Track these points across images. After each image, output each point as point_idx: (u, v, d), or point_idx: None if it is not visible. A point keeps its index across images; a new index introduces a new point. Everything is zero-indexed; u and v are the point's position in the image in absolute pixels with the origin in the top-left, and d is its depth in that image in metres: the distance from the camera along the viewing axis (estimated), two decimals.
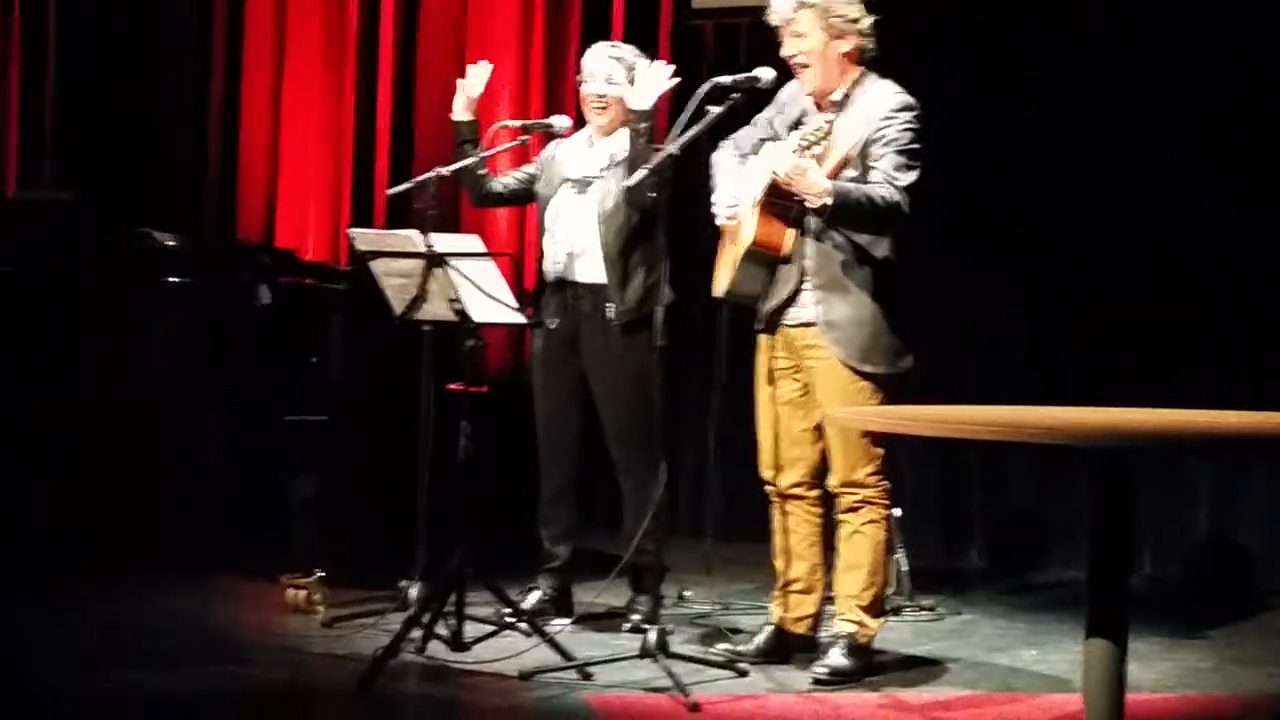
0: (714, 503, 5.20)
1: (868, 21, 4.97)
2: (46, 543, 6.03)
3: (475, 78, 5.69)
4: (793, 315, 4.98)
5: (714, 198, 5.08)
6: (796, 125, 5.02)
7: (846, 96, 4.96)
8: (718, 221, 5.08)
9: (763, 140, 5.08)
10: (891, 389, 4.94)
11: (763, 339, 5.07)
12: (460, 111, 5.66)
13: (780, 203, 4.88)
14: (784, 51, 4.98)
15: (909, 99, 4.94)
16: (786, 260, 4.95)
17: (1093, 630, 3.89)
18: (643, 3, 7.69)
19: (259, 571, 5.97)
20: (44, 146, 8.22)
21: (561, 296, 5.60)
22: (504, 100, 7.82)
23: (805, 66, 4.96)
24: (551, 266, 5.60)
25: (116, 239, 6.26)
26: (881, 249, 4.92)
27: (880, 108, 4.89)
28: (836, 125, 4.90)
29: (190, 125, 8.49)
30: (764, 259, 4.95)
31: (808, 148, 4.80)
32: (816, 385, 4.96)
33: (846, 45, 4.94)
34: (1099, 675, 3.90)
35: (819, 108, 5.00)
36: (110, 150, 8.22)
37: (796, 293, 4.96)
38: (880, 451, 4.97)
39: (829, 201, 4.73)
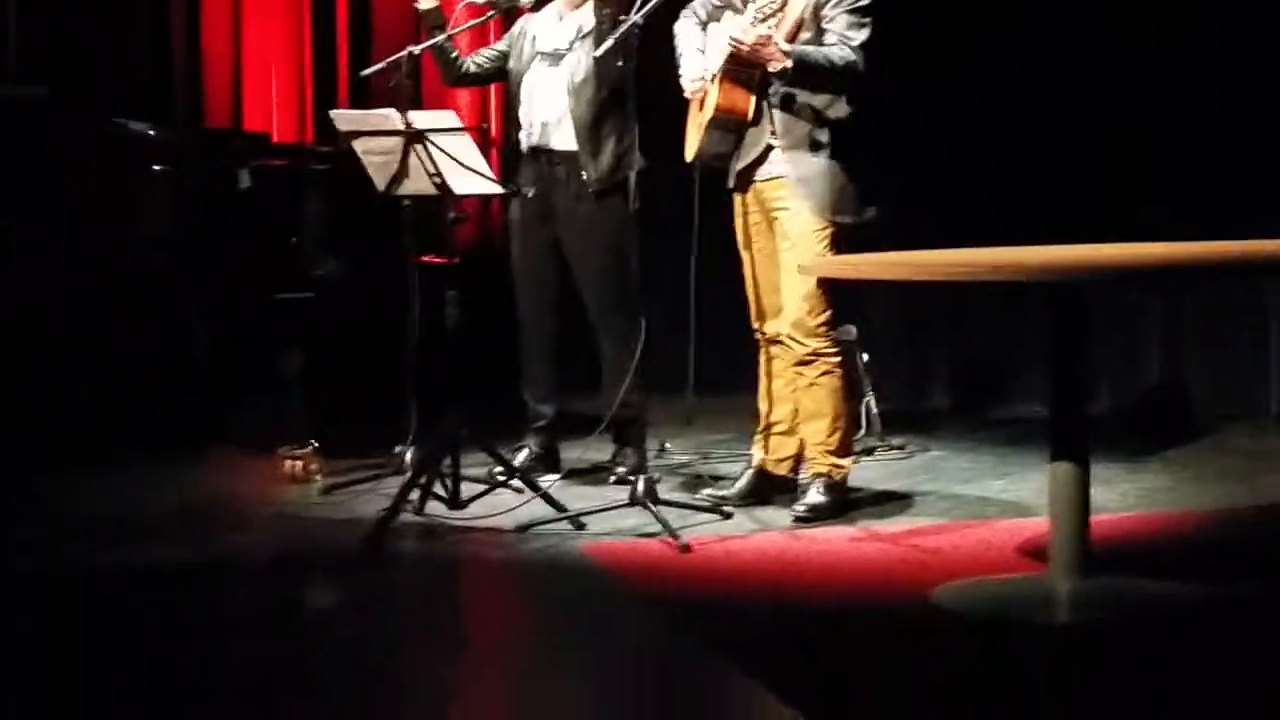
0: (694, 357, 5.39)
1: None
2: (44, 425, 6.15)
3: None
4: (764, 171, 5.17)
5: (680, 70, 5.24)
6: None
7: None
8: (686, 94, 5.24)
9: (718, 6, 5.23)
10: (858, 237, 5.13)
11: (736, 198, 5.26)
12: (433, 38, 5.73)
13: (742, 69, 5.05)
14: None
15: None
16: (752, 123, 5.13)
17: (1057, 453, 4.14)
18: None
19: (255, 446, 6.12)
20: (4, 38, 8.25)
21: (536, 165, 5.75)
22: None
23: None
24: (526, 137, 5.75)
25: (96, 130, 6.36)
26: (838, 109, 5.11)
27: None
28: None
29: (152, 15, 8.52)
30: (729, 124, 5.14)
31: (765, 19, 4.97)
32: (786, 235, 5.16)
33: None
34: (1064, 495, 4.16)
35: None
36: (71, 43, 8.25)
37: (766, 151, 5.15)
38: (829, 305, 5.15)
39: (789, 65, 4.92)
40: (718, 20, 5.22)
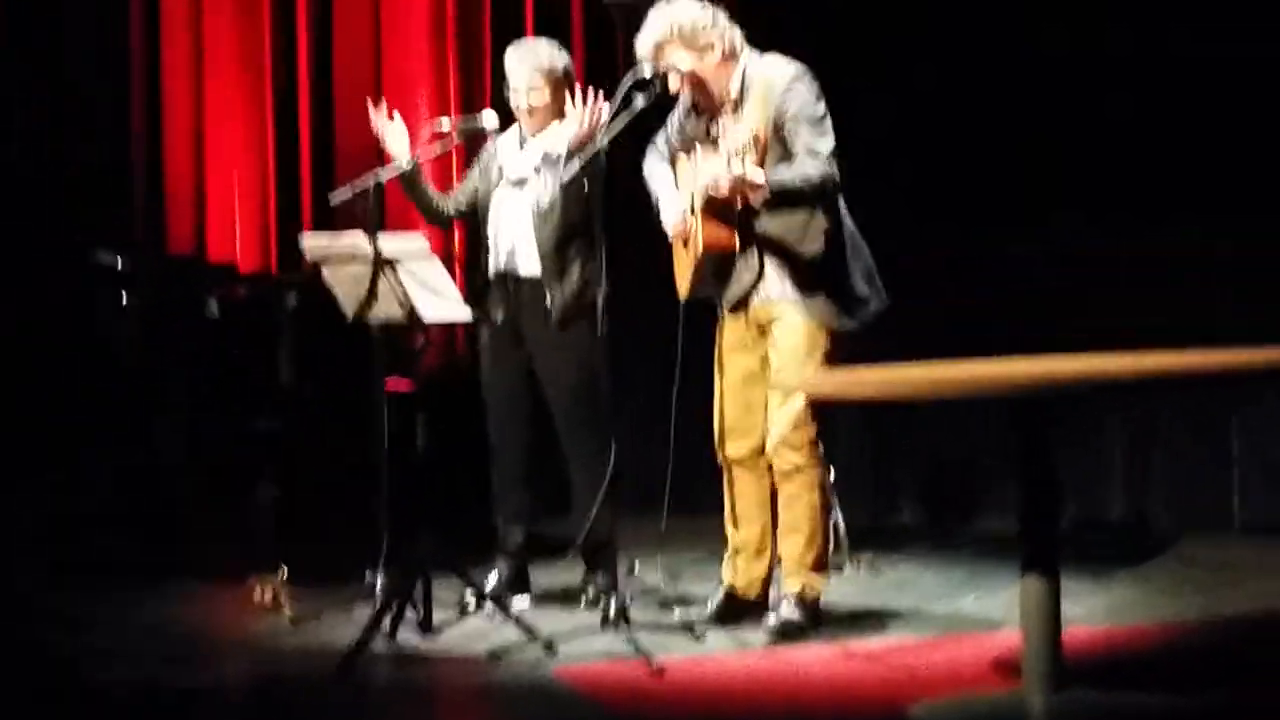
0: (669, 484, 5.43)
1: (723, 20, 5.18)
2: (12, 552, 6.17)
3: (392, 134, 5.75)
4: (760, 294, 5.21)
5: (659, 212, 5.30)
6: (707, 130, 5.23)
7: (741, 90, 5.18)
8: (669, 235, 5.28)
9: (686, 139, 5.29)
10: (845, 350, 5.16)
11: (727, 318, 5.29)
12: (399, 164, 5.72)
13: (720, 205, 5.10)
14: (671, 86, 5.18)
15: (795, 68, 5.15)
16: (740, 251, 5.17)
17: (1028, 567, 4.17)
18: None
19: (225, 575, 6.10)
20: None
21: (504, 290, 5.78)
22: (422, 97, 8.01)
23: (695, 85, 5.18)
24: (493, 261, 5.79)
25: (67, 260, 6.40)
26: (818, 224, 5.14)
27: (775, 86, 5.11)
28: (743, 116, 5.13)
29: (111, 142, 8.58)
30: (718, 259, 5.20)
31: (741, 156, 5.00)
32: (781, 351, 5.17)
33: (715, 55, 5.15)
34: (1036, 609, 4.18)
35: (721, 110, 5.22)
36: (33, 171, 8.30)
37: (759, 277, 5.19)
38: (816, 422, 5.19)
39: (767, 194, 4.99)
40: (688, 153, 5.28)
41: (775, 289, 5.18)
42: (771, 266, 5.17)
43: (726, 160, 4.98)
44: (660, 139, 5.40)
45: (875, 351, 4.77)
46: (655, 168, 5.37)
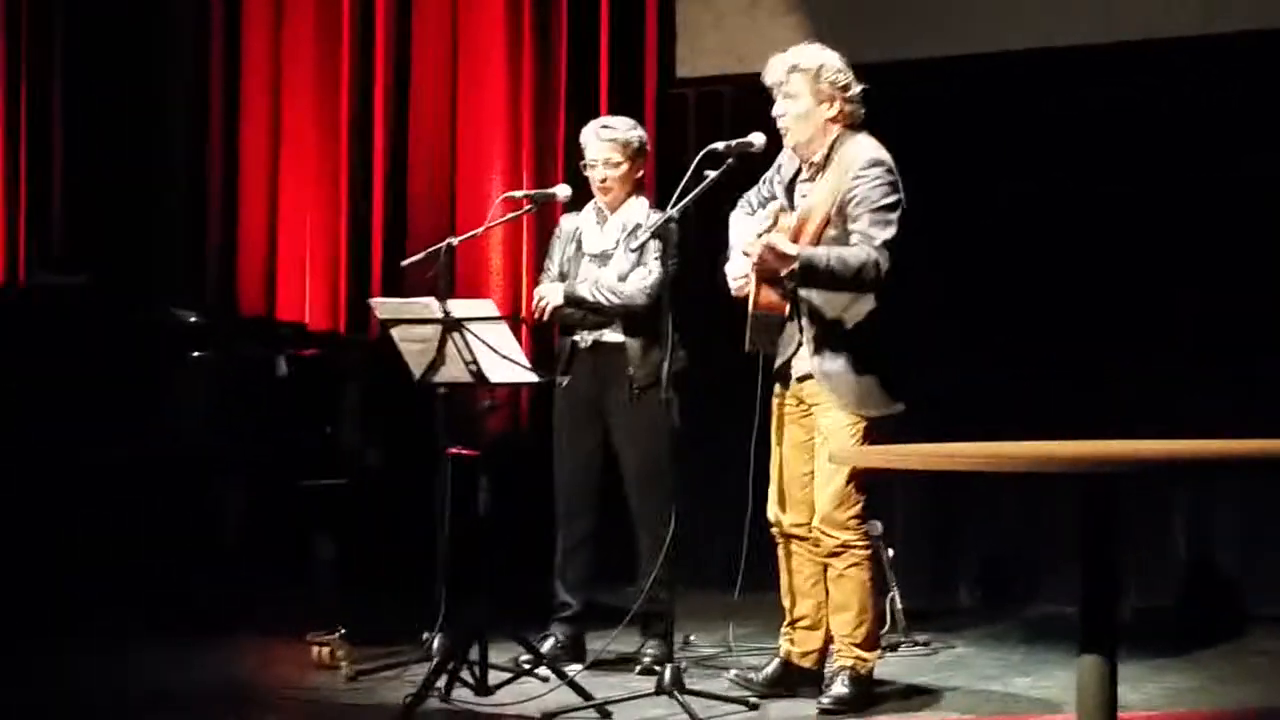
0: (745, 554, 5.43)
1: (857, 88, 5.24)
2: (80, 605, 6.23)
3: None
4: (798, 367, 5.27)
5: (726, 267, 5.35)
6: (791, 185, 5.31)
7: (827, 156, 5.24)
8: (732, 291, 5.33)
9: (767, 198, 5.37)
10: (888, 431, 5.19)
11: (777, 387, 5.35)
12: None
13: (773, 269, 5.15)
14: (775, 110, 5.26)
15: (880, 155, 5.19)
16: (788, 318, 5.24)
17: (1086, 647, 4.15)
18: (627, 72, 7.93)
19: (283, 631, 6.16)
20: (50, 228, 8.48)
21: (591, 358, 5.87)
22: (497, 171, 8.13)
23: (789, 127, 5.26)
24: (578, 330, 5.88)
25: (145, 317, 6.52)
26: (858, 309, 5.18)
27: (853, 166, 5.16)
28: (817, 185, 5.19)
29: (190, 205, 8.76)
30: (769, 319, 5.25)
31: (769, 229, 5.10)
32: (819, 431, 5.23)
33: (831, 110, 5.21)
34: (1093, 692, 4.14)
35: (804, 167, 5.29)
36: (114, 232, 8.48)
37: (798, 348, 5.25)
38: (862, 498, 5.22)
39: (796, 268, 5.02)
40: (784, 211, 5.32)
41: (814, 364, 5.20)
42: (810, 337, 5.21)
43: (762, 228, 5.05)
44: (752, 191, 5.46)
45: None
46: (736, 220, 5.41)
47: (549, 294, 5.80)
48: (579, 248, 5.91)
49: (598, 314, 5.76)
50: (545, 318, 5.80)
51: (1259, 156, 6.90)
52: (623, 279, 5.78)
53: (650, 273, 5.70)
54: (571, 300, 5.76)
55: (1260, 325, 6.90)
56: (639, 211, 5.84)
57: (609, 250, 5.86)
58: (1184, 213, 7.05)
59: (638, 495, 5.82)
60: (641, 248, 5.58)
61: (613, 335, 5.82)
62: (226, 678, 5.73)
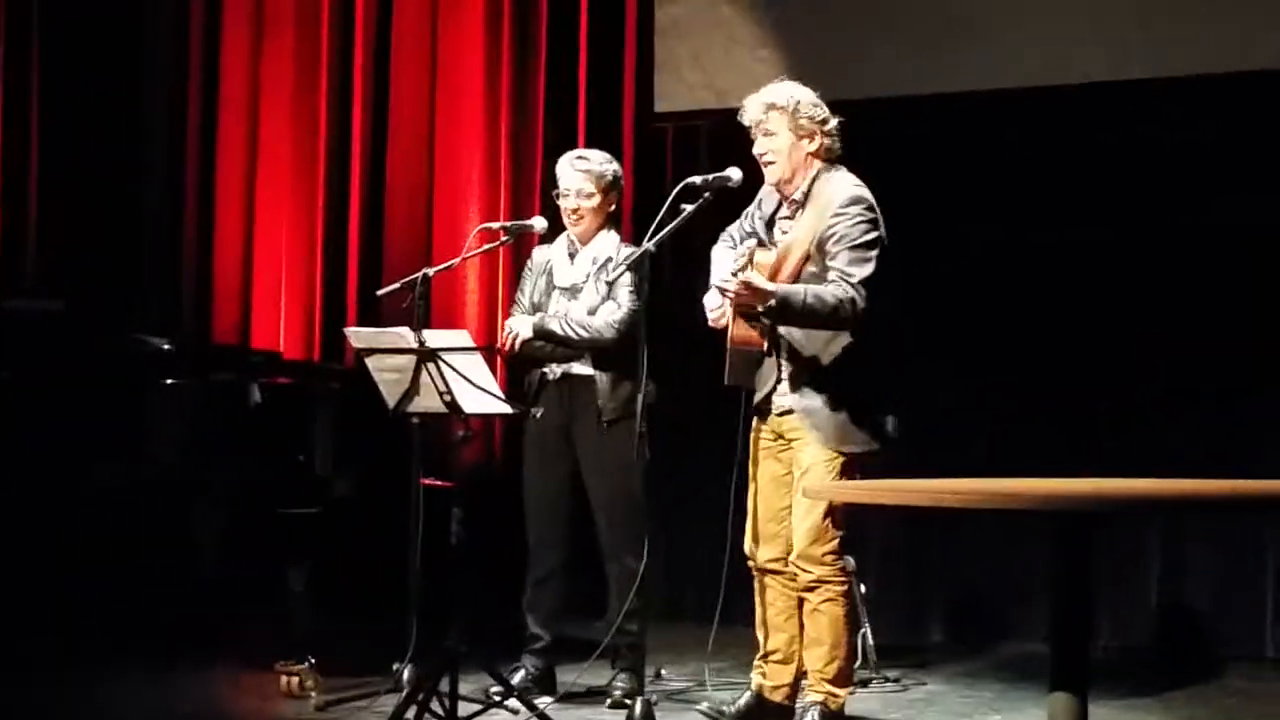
0: (723, 586, 5.43)
1: (834, 122, 5.26)
2: (46, 632, 6.19)
3: None
4: (776, 403, 5.27)
5: (705, 299, 5.35)
6: (771, 220, 5.32)
7: (807, 193, 5.25)
8: (709, 322, 5.33)
9: (748, 234, 5.38)
10: (866, 468, 5.20)
11: (755, 421, 5.35)
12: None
13: (751, 305, 5.16)
14: (755, 149, 5.27)
15: (859, 192, 5.21)
16: (767, 354, 5.24)
17: (1057, 685, 4.14)
18: (605, 106, 7.97)
19: (254, 660, 6.11)
20: (24, 252, 8.46)
21: (559, 389, 5.87)
22: (473, 201, 8.13)
23: (771, 163, 5.27)
24: (549, 365, 5.87)
25: (115, 344, 6.49)
26: (834, 346, 5.18)
27: (833, 203, 5.18)
28: (797, 222, 5.20)
29: (166, 232, 8.75)
30: (747, 355, 5.25)
31: (743, 269, 5.12)
32: (798, 465, 5.23)
33: (812, 145, 5.23)
34: None
35: (785, 203, 5.31)
36: (88, 259, 8.46)
37: (777, 382, 5.25)
38: (839, 534, 5.22)
39: (773, 305, 5.03)
40: (763, 246, 5.33)
41: (793, 399, 5.21)
42: (789, 373, 5.21)
43: (731, 269, 5.07)
44: (734, 227, 5.46)
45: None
46: (717, 254, 5.42)
47: (519, 327, 5.81)
48: (550, 280, 5.92)
49: (566, 347, 5.76)
50: (515, 350, 5.81)
51: (1229, 199, 6.95)
52: (592, 313, 5.80)
53: (619, 307, 5.71)
54: (541, 333, 5.77)
55: (1232, 368, 6.94)
56: (610, 245, 5.85)
57: (579, 284, 5.87)
58: (1157, 255, 7.10)
59: (607, 527, 5.81)
60: (613, 281, 5.59)
61: (581, 368, 5.82)
62: (196, 706, 5.70)
